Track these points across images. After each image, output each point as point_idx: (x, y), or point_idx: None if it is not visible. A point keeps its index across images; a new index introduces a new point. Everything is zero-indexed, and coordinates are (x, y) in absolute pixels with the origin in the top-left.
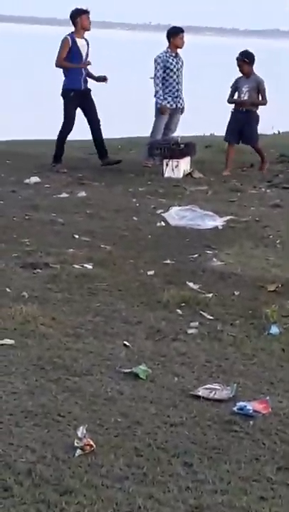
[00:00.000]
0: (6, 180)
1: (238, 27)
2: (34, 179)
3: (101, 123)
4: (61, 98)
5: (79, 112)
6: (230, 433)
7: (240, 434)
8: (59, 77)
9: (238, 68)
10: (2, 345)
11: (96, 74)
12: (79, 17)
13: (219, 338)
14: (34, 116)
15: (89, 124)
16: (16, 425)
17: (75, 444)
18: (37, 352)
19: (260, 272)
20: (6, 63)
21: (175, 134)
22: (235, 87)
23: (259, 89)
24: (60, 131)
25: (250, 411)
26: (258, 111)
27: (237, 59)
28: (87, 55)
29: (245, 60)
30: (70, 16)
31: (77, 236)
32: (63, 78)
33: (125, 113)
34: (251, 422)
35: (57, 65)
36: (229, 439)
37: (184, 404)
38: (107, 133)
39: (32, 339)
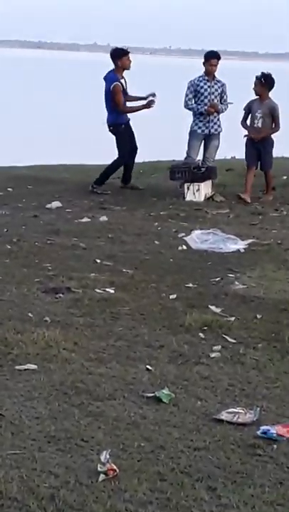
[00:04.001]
0: (27, 205)
1: (258, 50)
2: (56, 204)
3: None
4: (111, 134)
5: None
6: (254, 457)
7: (264, 458)
8: (78, 104)
9: (253, 87)
10: (25, 370)
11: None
12: (120, 58)
13: (242, 362)
14: (55, 141)
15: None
16: (39, 450)
17: (99, 468)
18: (59, 377)
19: (282, 294)
20: (19, 88)
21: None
22: (249, 110)
23: (272, 115)
24: (116, 162)
25: (274, 435)
26: (273, 136)
27: (256, 77)
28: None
29: (262, 80)
30: (111, 55)
31: (98, 260)
32: (106, 114)
33: (147, 138)
34: (275, 446)
35: (124, 111)
36: (253, 463)
37: (208, 428)
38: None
39: (54, 364)
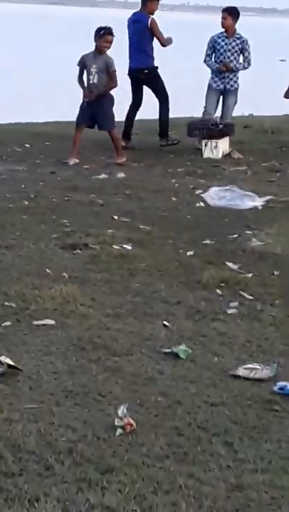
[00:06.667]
0: (45, 161)
1: (277, 6)
2: (73, 160)
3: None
4: (144, 78)
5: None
6: (271, 412)
7: (281, 414)
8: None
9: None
10: (43, 325)
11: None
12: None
13: (259, 318)
14: (72, 97)
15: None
16: (57, 405)
17: (116, 423)
18: (77, 332)
19: None
20: (33, 45)
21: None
22: (83, 66)
23: (108, 70)
24: (166, 108)
25: None
26: (112, 92)
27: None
28: None
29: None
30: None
31: (116, 217)
32: (135, 59)
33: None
34: None
35: (165, 45)
36: (269, 418)
37: (224, 383)
38: (148, 114)
39: (72, 319)
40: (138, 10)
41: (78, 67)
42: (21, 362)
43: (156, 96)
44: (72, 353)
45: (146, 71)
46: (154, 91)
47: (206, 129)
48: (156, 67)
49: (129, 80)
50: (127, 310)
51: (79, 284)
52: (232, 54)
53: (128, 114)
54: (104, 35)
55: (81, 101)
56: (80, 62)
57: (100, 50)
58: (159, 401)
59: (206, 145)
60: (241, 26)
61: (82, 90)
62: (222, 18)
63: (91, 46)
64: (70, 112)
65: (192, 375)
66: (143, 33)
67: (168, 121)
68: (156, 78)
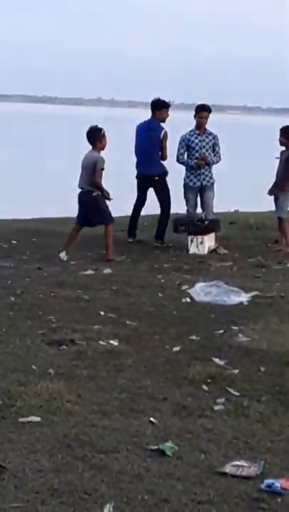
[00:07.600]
0: (32, 257)
1: (261, 105)
2: (60, 256)
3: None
4: (153, 184)
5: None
6: (258, 510)
7: None
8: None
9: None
10: (28, 422)
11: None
12: (160, 109)
13: (246, 415)
14: (60, 194)
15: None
16: (42, 503)
17: None
18: (63, 429)
19: (286, 347)
20: (23, 142)
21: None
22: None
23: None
24: (166, 216)
25: (278, 488)
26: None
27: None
28: None
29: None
30: (154, 105)
31: (102, 312)
32: (146, 165)
33: (150, 191)
34: (279, 500)
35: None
36: None
37: (211, 481)
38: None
39: (58, 416)
40: (150, 118)
41: (102, 168)
42: (6, 460)
43: (160, 203)
44: (58, 450)
45: (156, 178)
46: (159, 198)
47: (191, 224)
48: (166, 175)
49: (136, 182)
50: (113, 406)
51: (65, 381)
52: (206, 150)
53: (134, 212)
54: (104, 133)
55: (101, 199)
56: (103, 162)
57: (103, 148)
58: (145, 499)
59: (191, 241)
60: (235, 124)
61: (103, 191)
62: (204, 117)
63: (79, 145)
64: (57, 209)
65: (179, 473)
66: (156, 141)
67: (166, 227)
68: (164, 186)
